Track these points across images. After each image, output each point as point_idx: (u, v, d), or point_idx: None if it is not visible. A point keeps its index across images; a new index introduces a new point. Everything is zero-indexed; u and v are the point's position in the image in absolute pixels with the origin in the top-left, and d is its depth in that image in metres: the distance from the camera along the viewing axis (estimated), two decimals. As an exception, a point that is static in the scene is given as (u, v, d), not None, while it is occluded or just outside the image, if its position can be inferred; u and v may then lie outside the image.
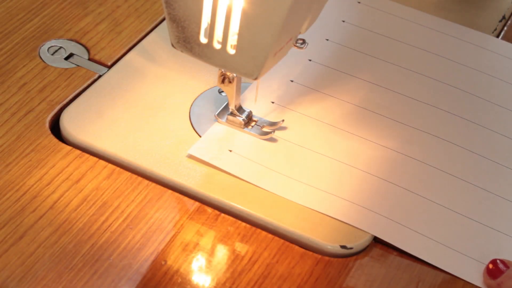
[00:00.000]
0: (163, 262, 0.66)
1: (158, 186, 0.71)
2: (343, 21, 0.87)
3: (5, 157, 0.71)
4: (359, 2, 0.90)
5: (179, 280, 0.65)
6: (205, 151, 0.72)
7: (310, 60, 0.82)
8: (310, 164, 0.73)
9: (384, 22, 0.88)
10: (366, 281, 0.66)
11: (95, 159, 0.72)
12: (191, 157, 0.72)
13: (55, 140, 0.73)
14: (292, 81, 0.80)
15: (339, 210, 0.69)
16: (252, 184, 0.71)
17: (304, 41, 0.71)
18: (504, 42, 0.88)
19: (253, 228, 0.69)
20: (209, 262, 0.67)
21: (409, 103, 0.79)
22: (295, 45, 0.71)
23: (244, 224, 0.69)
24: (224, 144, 0.74)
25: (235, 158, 0.72)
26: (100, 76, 0.79)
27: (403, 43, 0.86)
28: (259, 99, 0.77)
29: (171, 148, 0.73)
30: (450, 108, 0.79)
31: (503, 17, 0.91)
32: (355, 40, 0.85)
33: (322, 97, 0.79)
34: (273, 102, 0.78)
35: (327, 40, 0.85)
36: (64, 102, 0.76)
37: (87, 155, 0.72)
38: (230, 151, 0.73)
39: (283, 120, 0.75)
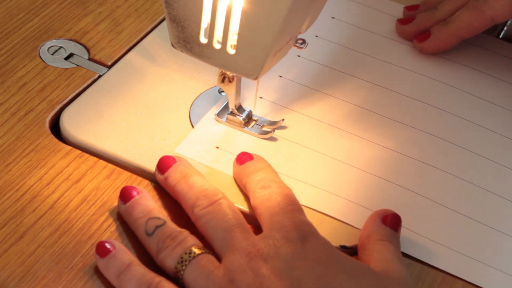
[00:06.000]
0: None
1: (158, 186, 0.70)
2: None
3: (5, 157, 0.71)
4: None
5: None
6: (197, 154, 0.72)
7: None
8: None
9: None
10: (366, 281, 0.66)
11: (95, 159, 0.72)
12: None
13: (55, 140, 0.73)
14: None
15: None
16: (252, 184, 0.71)
17: (304, 41, 0.71)
18: (504, 42, 0.88)
19: (253, 229, 0.69)
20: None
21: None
22: (295, 45, 0.71)
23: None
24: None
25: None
26: (100, 76, 0.79)
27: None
28: (258, 99, 0.77)
29: (171, 148, 0.73)
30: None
31: (503, 17, 0.91)
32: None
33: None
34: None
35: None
36: (64, 102, 0.76)
37: (87, 155, 0.72)
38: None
39: (283, 120, 0.75)
